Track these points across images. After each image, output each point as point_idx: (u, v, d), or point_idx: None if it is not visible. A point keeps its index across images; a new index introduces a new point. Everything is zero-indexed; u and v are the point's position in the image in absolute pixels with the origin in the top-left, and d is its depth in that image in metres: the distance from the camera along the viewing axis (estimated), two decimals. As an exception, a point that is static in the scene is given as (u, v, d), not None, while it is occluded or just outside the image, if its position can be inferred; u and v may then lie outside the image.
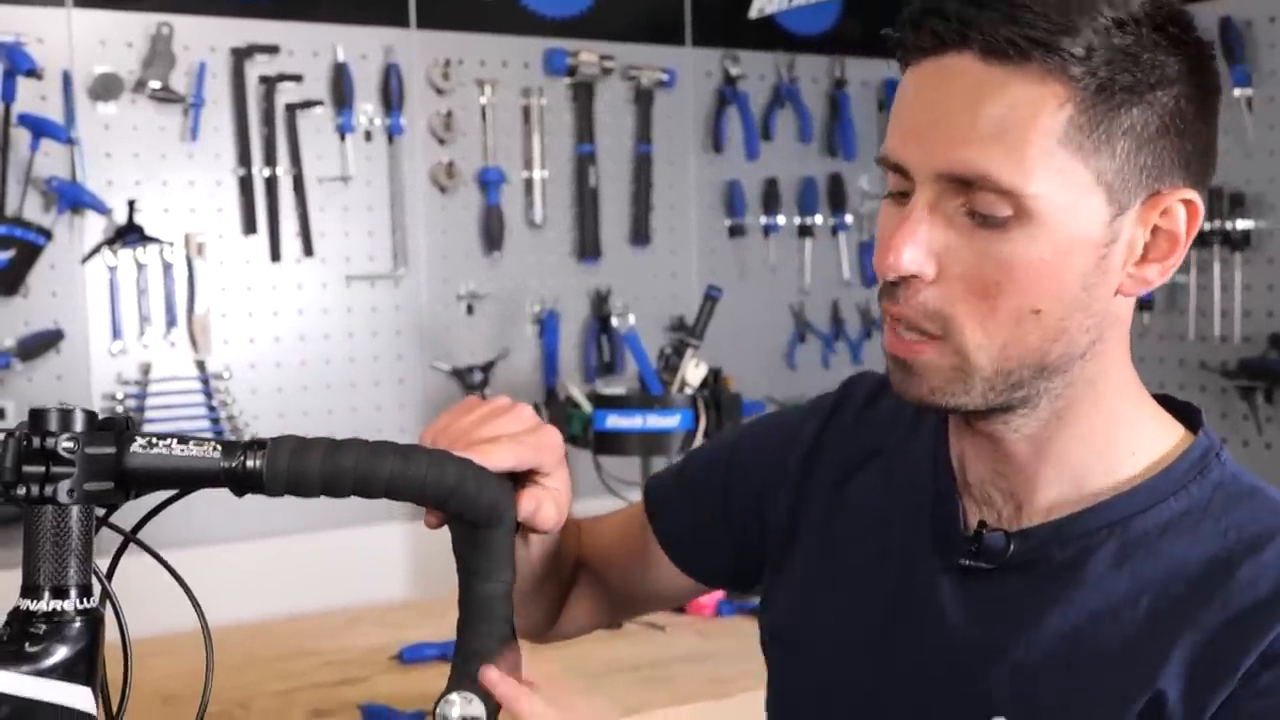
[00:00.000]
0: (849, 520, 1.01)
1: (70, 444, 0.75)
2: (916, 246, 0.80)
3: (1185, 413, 0.91)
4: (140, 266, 2.39)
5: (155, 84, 2.38)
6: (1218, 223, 2.70)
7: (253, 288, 2.51)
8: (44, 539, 0.75)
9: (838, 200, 3.12)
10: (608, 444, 2.45)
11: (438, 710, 0.78)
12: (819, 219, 3.09)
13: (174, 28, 2.39)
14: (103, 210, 2.34)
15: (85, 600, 0.77)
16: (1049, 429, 0.87)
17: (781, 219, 3.06)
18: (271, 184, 2.50)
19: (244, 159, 2.48)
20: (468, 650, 0.83)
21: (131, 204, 2.36)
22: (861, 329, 3.16)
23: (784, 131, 3.07)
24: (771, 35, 3.02)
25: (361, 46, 2.58)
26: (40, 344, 2.31)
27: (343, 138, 2.56)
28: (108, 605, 0.80)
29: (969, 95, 0.79)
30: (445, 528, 0.87)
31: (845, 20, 3.11)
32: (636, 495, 1.20)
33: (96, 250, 2.35)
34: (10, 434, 0.75)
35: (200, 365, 2.46)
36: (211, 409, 2.46)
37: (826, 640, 0.98)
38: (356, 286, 2.60)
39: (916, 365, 0.84)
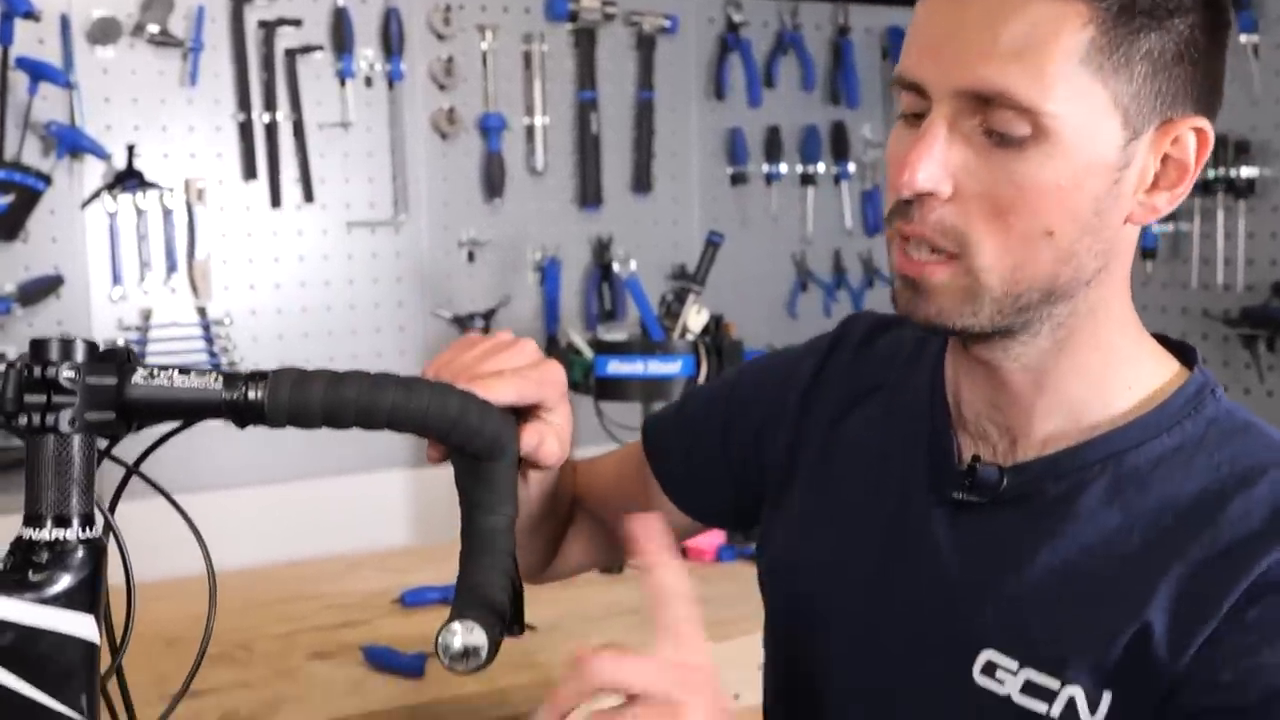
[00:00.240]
0: (846, 456, 1.01)
1: (71, 373, 0.75)
2: (934, 163, 0.80)
3: (1182, 351, 0.91)
4: (140, 212, 2.38)
5: (154, 28, 2.36)
6: (1222, 170, 2.69)
7: (253, 234, 2.50)
8: (46, 469, 0.76)
9: (840, 149, 3.10)
10: (609, 390, 2.45)
11: (440, 639, 0.78)
12: (821, 167, 3.08)
13: (172, -29, 2.38)
14: (102, 155, 2.33)
15: (88, 530, 0.77)
16: (1048, 359, 0.87)
17: (784, 167, 3.04)
18: (271, 129, 2.48)
19: (244, 104, 2.47)
20: (470, 582, 0.84)
21: (131, 149, 2.35)
22: (863, 278, 3.16)
23: (787, 79, 3.05)
24: (774, -19, 3.00)
25: (361, -10, 2.57)
26: (40, 289, 2.31)
27: (343, 83, 2.55)
28: (110, 539, 0.81)
29: (990, 12, 0.78)
30: (448, 464, 0.88)
31: (849, -34, 3.09)
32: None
33: (96, 195, 2.34)
34: (11, 364, 0.75)
35: (201, 311, 2.46)
36: (212, 355, 2.46)
37: (823, 574, 0.99)
38: (357, 233, 2.60)
39: (926, 285, 0.83)
